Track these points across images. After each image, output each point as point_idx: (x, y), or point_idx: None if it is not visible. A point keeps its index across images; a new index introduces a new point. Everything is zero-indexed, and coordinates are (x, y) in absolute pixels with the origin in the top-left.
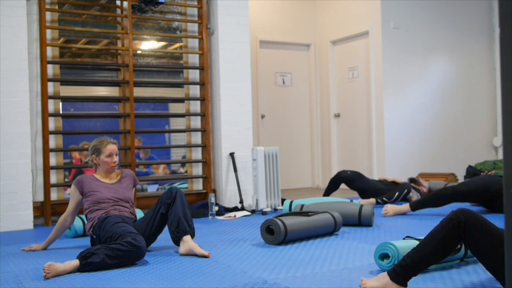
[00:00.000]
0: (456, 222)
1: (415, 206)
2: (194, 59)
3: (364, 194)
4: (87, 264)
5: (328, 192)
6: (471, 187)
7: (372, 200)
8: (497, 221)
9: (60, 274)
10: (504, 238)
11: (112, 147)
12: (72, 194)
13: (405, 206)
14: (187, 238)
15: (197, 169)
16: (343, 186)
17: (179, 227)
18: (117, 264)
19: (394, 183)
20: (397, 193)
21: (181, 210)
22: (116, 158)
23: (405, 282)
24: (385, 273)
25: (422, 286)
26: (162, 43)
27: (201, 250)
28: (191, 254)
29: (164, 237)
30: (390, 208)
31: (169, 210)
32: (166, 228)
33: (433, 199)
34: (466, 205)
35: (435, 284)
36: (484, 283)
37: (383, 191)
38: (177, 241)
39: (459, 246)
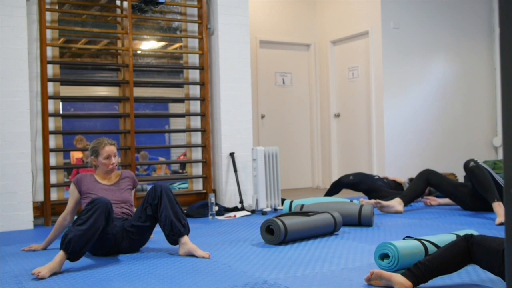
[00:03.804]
0: (466, 239)
1: (406, 201)
2: (194, 59)
3: (369, 195)
4: (68, 244)
5: (328, 195)
6: (443, 177)
7: (373, 201)
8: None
9: (55, 269)
10: (504, 238)
11: (110, 149)
12: (71, 192)
13: (399, 207)
14: (185, 239)
15: (197, 169)
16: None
17: (173, 231)
18: (93, 226)
19: (394, 182)
20: None
21: (171, 211)
22: (114, 160)
23: (416, 279)
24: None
25: (421, 285)
26: (162, 43)
27: (200, 252)
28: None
29: (164, 237)
30: (386, 209)
31: (158, 211)
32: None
33: (415, 185)
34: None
35: (433, 283)
36: (485, 282)
37: (386, 193)
38: (173, 242)
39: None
